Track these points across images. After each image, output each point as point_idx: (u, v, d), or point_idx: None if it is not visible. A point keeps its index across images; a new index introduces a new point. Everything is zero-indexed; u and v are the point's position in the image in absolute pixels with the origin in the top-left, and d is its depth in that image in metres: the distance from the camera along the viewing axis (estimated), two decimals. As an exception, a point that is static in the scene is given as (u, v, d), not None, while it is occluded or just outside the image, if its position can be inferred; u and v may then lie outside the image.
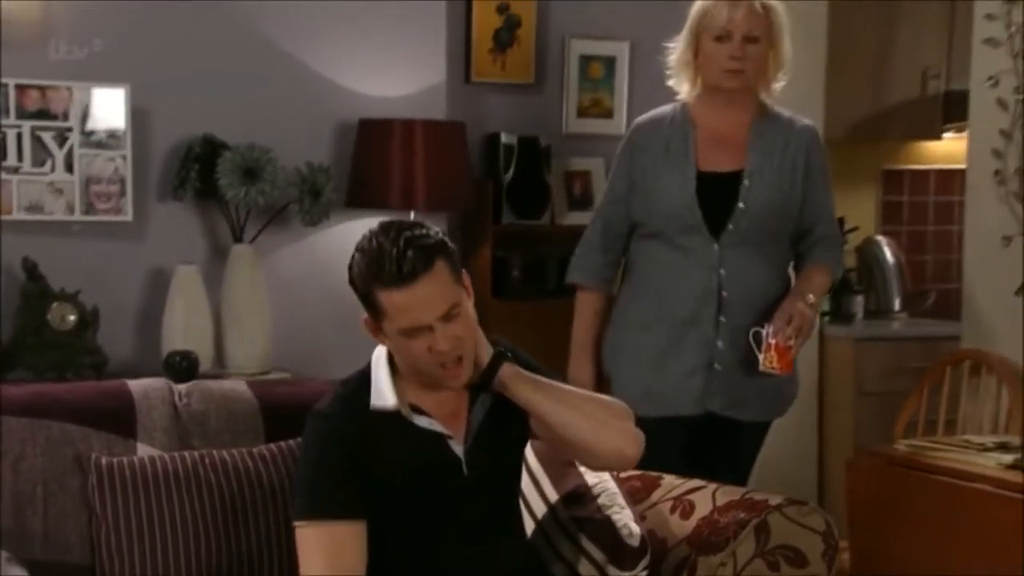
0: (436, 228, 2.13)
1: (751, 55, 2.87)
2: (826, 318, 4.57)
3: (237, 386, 2.60)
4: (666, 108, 3.03)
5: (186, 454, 2.40)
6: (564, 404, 2.18)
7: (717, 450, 2.99)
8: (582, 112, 4.66)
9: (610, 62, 4.68)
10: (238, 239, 3.93)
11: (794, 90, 4.40)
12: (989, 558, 2.68)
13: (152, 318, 3.89)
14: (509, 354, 2.20)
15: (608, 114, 4.69)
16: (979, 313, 3.54)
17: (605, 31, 4.67)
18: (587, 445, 2.17)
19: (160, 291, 3.90)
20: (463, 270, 2.16)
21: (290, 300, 4.06)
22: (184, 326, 3.80)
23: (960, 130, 4.66)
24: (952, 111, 4.65)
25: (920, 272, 4.97)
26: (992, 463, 2.84)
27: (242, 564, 2.33)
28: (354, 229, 4.17)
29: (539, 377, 2.21)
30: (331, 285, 4.16)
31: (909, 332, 4.54)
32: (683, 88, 2.97)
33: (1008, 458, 2.84)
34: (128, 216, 3.87)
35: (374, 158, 4.01)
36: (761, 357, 2.86)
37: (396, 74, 4.21)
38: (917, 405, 3.49)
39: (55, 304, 3.60)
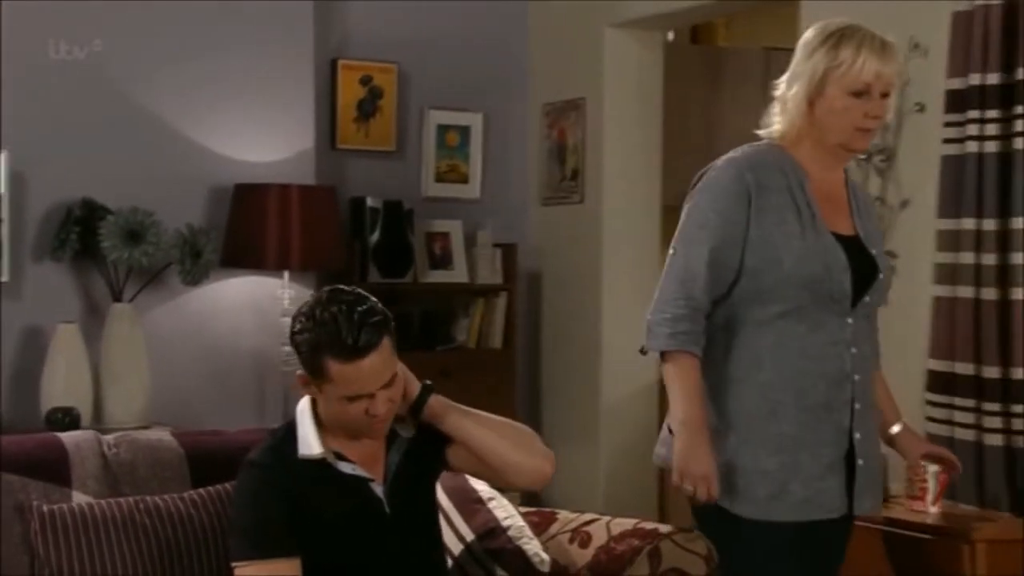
0: (376, 301, 2.33)
1: (883, 113, 2.46)
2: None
3: (163, 436, 2.76)
4: (760, 147, 2.56)
5: (121, 500, 2.55)
6: (488, 429, 2.43)
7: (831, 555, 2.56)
8: (440, 177, 4.98)
9: (465, 131, 5.01)
10: (117, 298, 4.05)
11: (635, 162, 4.89)
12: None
13: (29, 376, 3.96)
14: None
15: (464, 179, 5.02)
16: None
17: (461, 103, 5.00)
18: (511, 465, 2.41)
19: (36, 350, 3.99)
20: None
21: (168, 357, 4.21)
22: (64, 383, 3.89)
23: (780, 199, 5.18)
24: (770, 181, 5.16)
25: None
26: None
27: (178, 603, 2.49)
28: (230, 288, 4.37)
29: (462, 406, 2.46)
30: (208, 342, 4.34)
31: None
32: (787, 138, 2.51)
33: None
34: (4, 276, 3.95)
35: (251, 221, 4.21)
36: (931, 497, 3.08)
37: (267, 141, 4.44)
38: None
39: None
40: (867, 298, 2.47)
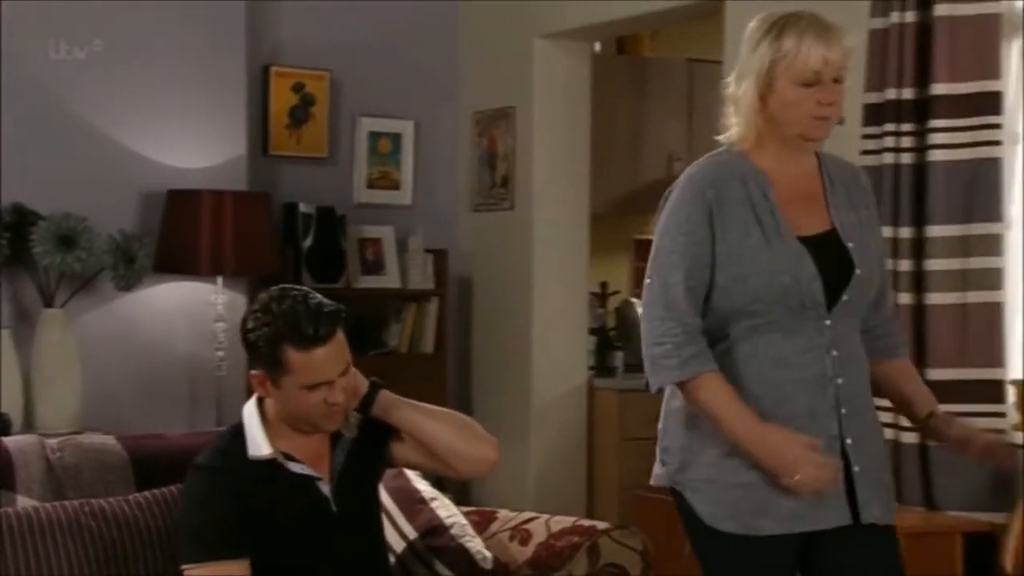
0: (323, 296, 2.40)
1: (839, 97, 2.34)
2: (592, 371, 5.09)
3: (106, 440, 2.79)
4: (720, 157, 2.43)
5: (66, 503, 2.58)
6: (436, 420, 2.51)
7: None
8: (372, 184, 5.03)
9: (397, 138, 5.07)
10: (48, 304, 4.04)
11: (564, 170, 4.99)
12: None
13: (-42, 381, 3.93)
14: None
15: (396, 186, 5.08)
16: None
17: (392, 110, 5.07)
18: (458, 453, 2.49)
19: (-35, 355, 3.96)
20: None
21: (100, 362, 4.21)
22: (-6, 388, 3.87)
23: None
24: (694, 189, 5.31)
25: (668, 331, 5.57)
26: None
27: (124, 605, 2.52)
28: (162, 293, 4.38)
29: (409, 400, 2.53)
30: (140, 347, 4.34)
31: (665, 384, 5.10)
32: (747, 139, 2.38)
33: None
34: (-68, 282, 3.93)
35: (184, 227, 4.23)
36: None
37: (200, 147, 4.46)
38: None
39: None
40: (846, 297, 2.33)
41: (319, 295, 2.40)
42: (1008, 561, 3.00)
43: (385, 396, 2.49)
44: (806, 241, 2.33)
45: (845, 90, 2.34)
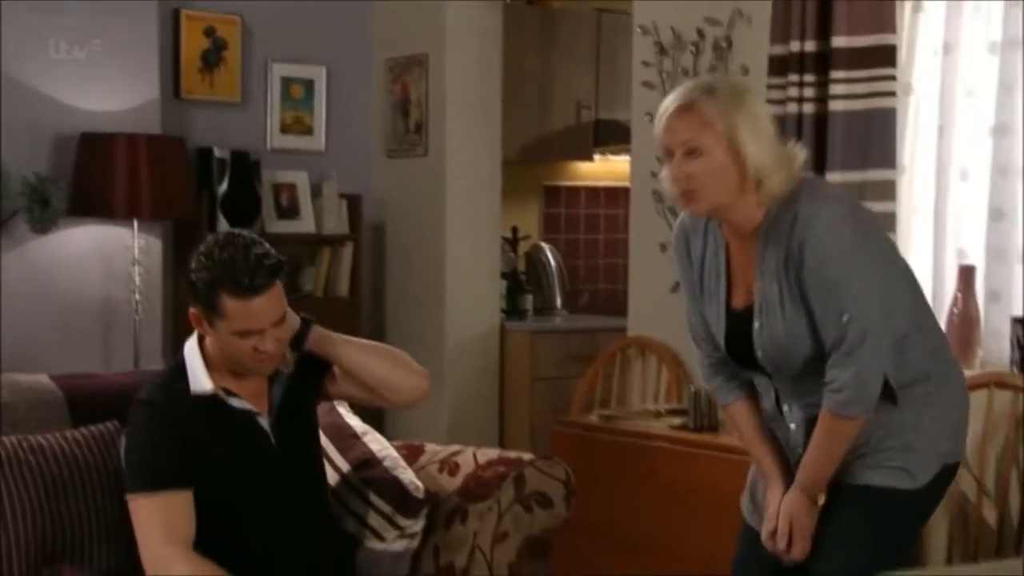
0: (270, 247, 2.46)
1: (697, 171, 2.31)
2: (503, 314, 5.22)
3: (41, 379, 2.83)
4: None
5: (5, 440, 2.61)
6: (368, 353, 2.61)
7: None
8: (285, 129, 5.06)
9: (309, 84, 5.10)
10: (-39, 247, 4.02)
11: (476, 117, 5.08)
12: (669, 501, 3.36)
13: None
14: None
15: (309, 131, 5.11)
16: (642, 307, 4.27)
17: (304, 56, 5.09)
18: (391, 384, 2.60)
19: None
20: None
21: (15, 304, 4.20)
22: (-91, 332, 3.85)
23: (612, 153, 5.48)
24: (601, 137, 5.45)
25: (574, 275, 5.74)
26: (665, 426, 3.53)
27: (66, 536, 2.58)
28: (77, 236, 4.38)
29: (340, 334, 2.62)
30: (56, 290, 4.35)
31: (573, 325, 5.27)
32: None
33: (677, 421, 3.55)
34: None
35: (99, 170, 4.23)
36: None
37: (112, 90, 4.44)
38: (592, 384, 4.18)
39: None
40: (762, 365, 2.42)
41: (266, 245, 2.46)
42: None
43: (317, 332, 2.59)
44: (733, 313, 2.43)
45: (712, 166, 2.29)
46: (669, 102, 2.36)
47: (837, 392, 2.32)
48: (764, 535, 2.47)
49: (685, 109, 2.32)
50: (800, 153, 2.39)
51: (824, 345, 2.33)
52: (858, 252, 2.32)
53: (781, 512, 2.44)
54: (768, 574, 2.51)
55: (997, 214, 3.34)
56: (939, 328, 2.51)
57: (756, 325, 2.39)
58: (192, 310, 2.49)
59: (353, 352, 2.60)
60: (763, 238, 2.37)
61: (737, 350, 2.44)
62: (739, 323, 2.42)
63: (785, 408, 2.44)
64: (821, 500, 2.44)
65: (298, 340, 2.56)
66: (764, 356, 2.40)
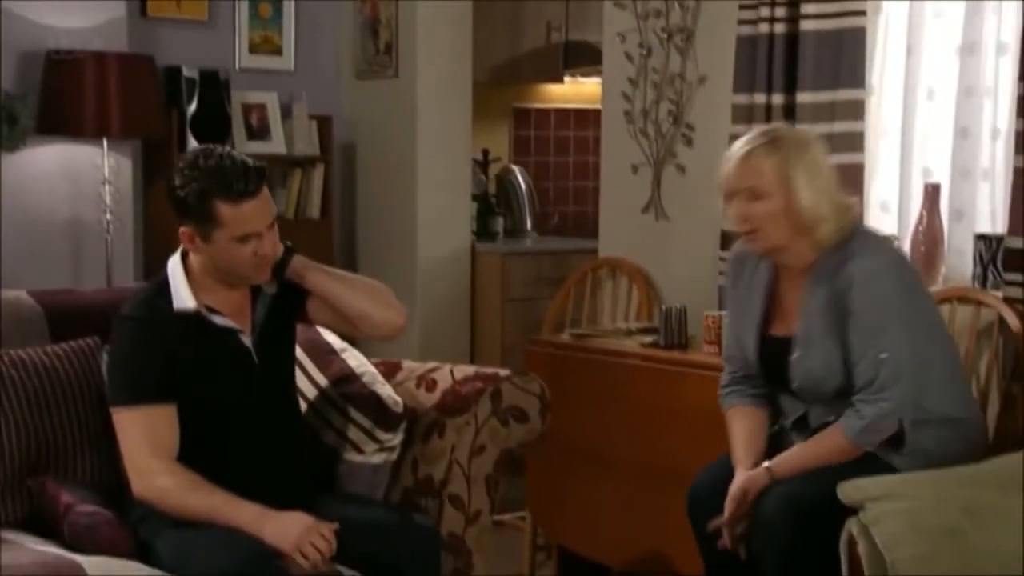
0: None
1: (756, 214, 2.63)
2: (474, 236, 5.25)
3: (20, 295, 2.85)
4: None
5: (-14, 355, 2.64)
6: (346, 285, 2.65)
7: None
8: (254, 49, 5.02)
9: (278, 3, 5.05)
10: (-71, 166, 3.99)
11: (447, 38, 5.06)
12: (640, 417, 3.43)
13: None
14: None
15: (278, 51, 5.08)
16: (613, 228, 4.31)
17: (272, -26, 5.04)
18: (368, 317, 2.64)
19: None
20: None
21: (-18, 223, 4.18)
22: None
23: (582, 75, 5.48)
24: (571, 59, 5.44)
25: (544, 197, 5.76)
26: (636, 344, 3.59)
27: (49, 449, 2.63)
28: (46, 155, 4.36)
29: (322, 265, 2.66)
30: (26, 208, 4.33)
31: (544, 247, 5.31)
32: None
33: (648, 339, 3.61)
34: None
35: (67, 88, 4.19)
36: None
37: (77, 7, 4.38)
38: (563, 304, 4.23)
39: None
40: (804, 392, 2.69)
41: (241, 154, 2.48)
42: None
43: (298, 260, 2.62)
44: (770, 339, 2.73)
45: (770, 210, 2.62)
46: (736, 148, 2.68)
47: (859, 419, 2.59)
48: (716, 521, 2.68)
49: (749, 156, 2.64)
50: (855, 204, 2.71)
51: (854, 382, 2.59)
52: (901, 301, 2.59)
53: (739, 482, 2.67)
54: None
55: (963, 133, 3.39)
56: (962, 378, 2.78)
57: (795, 355, 2.66)
58: (183, 229, 2.50)
59: (333, 284, 2.63)
60: (813, 277, 2.65)
61: (770, 373, 2.73)
62: (775, 349, 2.70)
63: (811, 424, 2.69)
64: None
65: (280, 267, 2.59)
66: (799, 384, 2.67)
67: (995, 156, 3.34)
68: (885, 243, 2.81)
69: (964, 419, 2.69)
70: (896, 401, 2.56)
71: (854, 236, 2.65)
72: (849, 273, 2.58)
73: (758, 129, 2.74)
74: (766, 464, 2.67)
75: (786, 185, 2.61)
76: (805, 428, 2.73)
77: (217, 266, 2.52)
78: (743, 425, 2.77)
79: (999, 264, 3.19)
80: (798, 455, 2.66)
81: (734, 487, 2.67)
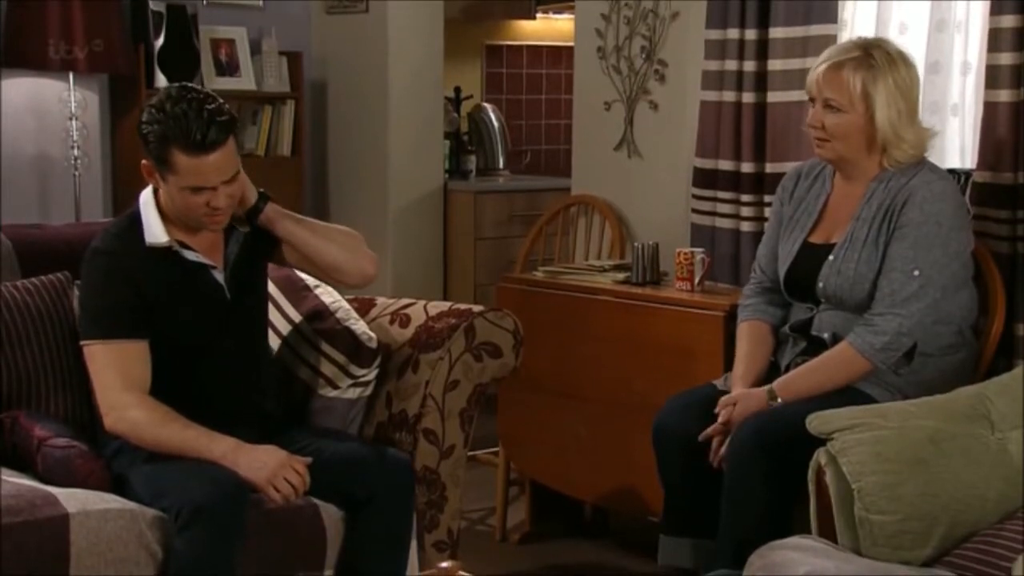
0: (224, 102, 2.45)
1: (831, 124, 2.70)
2: (447, 174, 5.23)
3: (-11, 229, 2.83)
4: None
5: (-45, 290, 2.63)
6: (319, 235, 2.64)
7: None
8: (221, -18, 4.94)
9: (245, -64, 4.97)
10: None
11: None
12: (612, 352, 3.44)
13: None
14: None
15: (246, -14, 5.00)
16: (586, 166, 4.30)
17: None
18: (339, 267, 2.64)
19: None
20: None
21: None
22: None
23: (554, 12, 5.44)
24: (543, -6, 5.41)
25: (517, 135, 5.75)
26: (609, 280, 3.61)
27: (21, 384, 2.63)
28: (11, 89, 4.30)
29: (295, 214, 2.65)
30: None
31: (516, 186, 5.30)
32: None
33: (620, 276, 3.62)
34: None
35: (31, 21, 4.13)
36: (697, 278, 3.33)
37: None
38: (536, 242, 4.23)
39: None
40: (821, 298, 2.76)
41: (219, 100, 2.45)
42: None
43: (272, 209, 2.60)
44: (809, 246, 2.81)
45: (845, 123, 2.69)
46: (830, 53, 2.73)
47: (874, 334, 2.63)
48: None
49: (837, 68, 2.68)
50: (933, 134, 2.75)
51: (877, 293, 2.64)
52: (951, 229, 2.66)
53: (734, 394, 2.73)
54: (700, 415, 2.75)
55: (934, 68, 3.40)
56: (973, 320, 2.81)
57: (831, 258, 2.73)
58: (144, 162, 2.49)
59: (302, 232, 2.62)
60: (873, 188, 2.71)
61: (796, 280, 2.79)
62: (810, 256, 2.77)
63: (814, 331, 2.75)
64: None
65: (252, 214, 2.58)
66: (825, 287, 2.73)
67: (965, 91, 3.35)
68: (950, 178, 2.85)
69: (967, 358, 2.76)
70: (915, 319, 2.62)
71: (924, 163, 2.73)
72: (911, 188, 2.66)
73: (857, 38, 2.81)
74: (763, 388, 2.72)
75: (867, 102, 2.66)
76: (806, 334, 2.78)
77: (174, 207, 2.50)
78: (749, 346, 2.85)
79: (968, 198, 3.21)
80: (802, 376, 2.69)
81: (727, 396, 2.74)
